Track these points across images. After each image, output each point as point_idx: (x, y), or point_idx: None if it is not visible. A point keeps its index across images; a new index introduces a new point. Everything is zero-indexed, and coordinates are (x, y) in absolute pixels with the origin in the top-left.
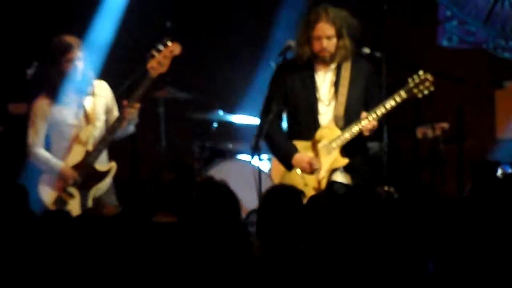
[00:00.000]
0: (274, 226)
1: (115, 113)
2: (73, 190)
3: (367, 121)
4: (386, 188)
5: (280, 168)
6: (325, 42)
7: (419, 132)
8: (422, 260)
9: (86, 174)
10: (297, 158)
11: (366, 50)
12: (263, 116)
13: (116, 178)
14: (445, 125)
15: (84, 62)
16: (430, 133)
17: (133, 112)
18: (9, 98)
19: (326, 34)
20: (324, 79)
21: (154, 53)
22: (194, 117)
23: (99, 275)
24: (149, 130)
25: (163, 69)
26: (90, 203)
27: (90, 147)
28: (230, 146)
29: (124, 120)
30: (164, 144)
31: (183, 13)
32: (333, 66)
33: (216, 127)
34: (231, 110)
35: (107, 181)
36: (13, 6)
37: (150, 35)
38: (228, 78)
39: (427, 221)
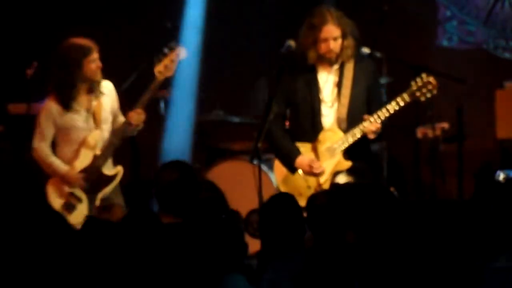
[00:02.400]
0: (276, 228)
1: (120, 117)
2: (81, 194)
3: (369, 123)
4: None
5: (283, 170)
6: (332, 44)
7: (419, 132)
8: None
9: (93, 178)
10: (300, 160)
11: (366, 50)
12: (265, 117)
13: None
14: (445, 125)
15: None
16: (430, 133)
17: (139, 118)
18: (9, 98)
19: (333, 36)
20: (327, 80)
21: (161, 57)
22: (195, 117)
23: (104, 276)
24: (149, 130)
25: (169, 73)
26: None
27: (98, 151)
28: (230, 146)
29: (130, 126)
30: (164, 144)
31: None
32: (335, 67)
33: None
34: (231, 110)
35: (114, 185)
36: (13, 6)
37: (150, 35)
38: (228, 78)
39: (428, 223)
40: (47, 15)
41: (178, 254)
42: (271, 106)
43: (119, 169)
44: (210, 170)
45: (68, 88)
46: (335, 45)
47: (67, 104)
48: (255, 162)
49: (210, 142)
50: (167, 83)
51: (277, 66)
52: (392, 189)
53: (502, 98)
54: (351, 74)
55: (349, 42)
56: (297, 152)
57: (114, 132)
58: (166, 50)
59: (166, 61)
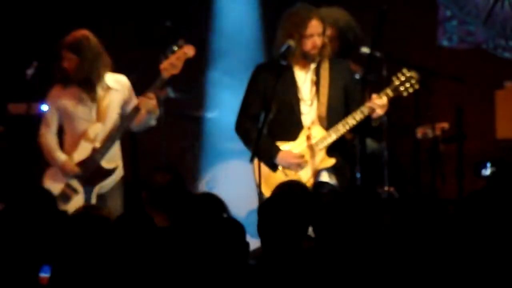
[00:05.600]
0: (275, 225)
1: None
2: (77, 186)
3: (377, 98)
4: (386, 188)
5: (264, 169)
6: (317, 40)
7: (419, 132)
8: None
9: (91, 170)
10: (281, 156)
11: (366, 50)
12: (247, 118)
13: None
14: (445, 125)
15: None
16: (430, 133)
17: (148, 102)
18: (9, 98)
19: (318, 32)
20: (304, 79)
21: (168, 54)
22: (194, 117)
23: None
24: (149, 130)
25: (175, 71)
26: (94, 200)
27: (97, 144)
28: (230, 145)
29: (138, 110)
30: (164, 144)
31: (183, 13)
32: (312, 66)
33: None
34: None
35: (112, 179)
36: (13, 6)
37: (150, 34)
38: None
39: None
40: (47, 15)
41: (178, 256)
42: (269, 106)
43: (119, 163)
44: (210, 170)
45: (92, 77)
46: (319, 41)
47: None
48: (255, 162)
49: (210, 142)
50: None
51: (276, 66)
52: (392, 189)
53: (502, 98)
54: (328, 73)
55: (326, 39)
56: (277, 149)
57: (119, 122)
58: (174, 48)
59: (172, 58)
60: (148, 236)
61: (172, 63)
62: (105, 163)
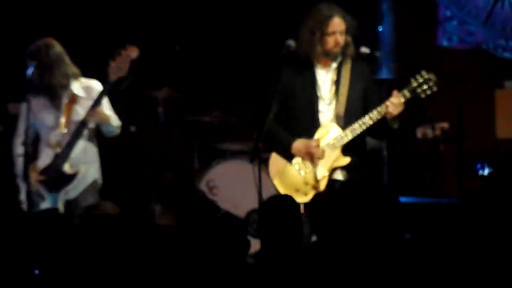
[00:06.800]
0: (275, 225)
1: (108, 112)
2: (43, 192)
3: (394, 97)
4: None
5: (279, 166)
6: (339, 37)
7: (419, 132)
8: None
9: (54, 176)
10: (296, 145)
11: (366, 50)
12: (263, 114)
13: (114, 177)
14: (445, 125)
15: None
16: (430, 133)
17: (94, 116)
18: (9, 98)
19: (341, 29)
20: (325, 77)
21: (114, 56)
22: (194, 117)
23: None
24: (149, 130)
25: (122, 73)
26: (60, 205)
27: (59, 150)
28: (230, 146)
29: (85, 124)
30: (164, 144)
31: (183, 13)
32: (334, 65)
33: (215, 127)
34: (230, 110)
35: (77, 183)
36: (13, 6)
37: (151, 35)
38: (227, 77)
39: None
40: (47, 15)
41: (178, 255)
42: (269, 103)
43: (82, 167)
44: (210, 170)
45: (53, 85)
46: (342, 39)
47: (38, 95)
48: (255, 162)
49: (210, 142)
50: (164, 83)
51: (276, 66)
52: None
53: (502, 98)
54: (349, 74)
55: (349, 38)
56: (293, 139)
57: (73, 131)
58: (120, 50)
59: (118, 61)
60: (147, 234)
61: (118, 66)
62: (67, 168)
